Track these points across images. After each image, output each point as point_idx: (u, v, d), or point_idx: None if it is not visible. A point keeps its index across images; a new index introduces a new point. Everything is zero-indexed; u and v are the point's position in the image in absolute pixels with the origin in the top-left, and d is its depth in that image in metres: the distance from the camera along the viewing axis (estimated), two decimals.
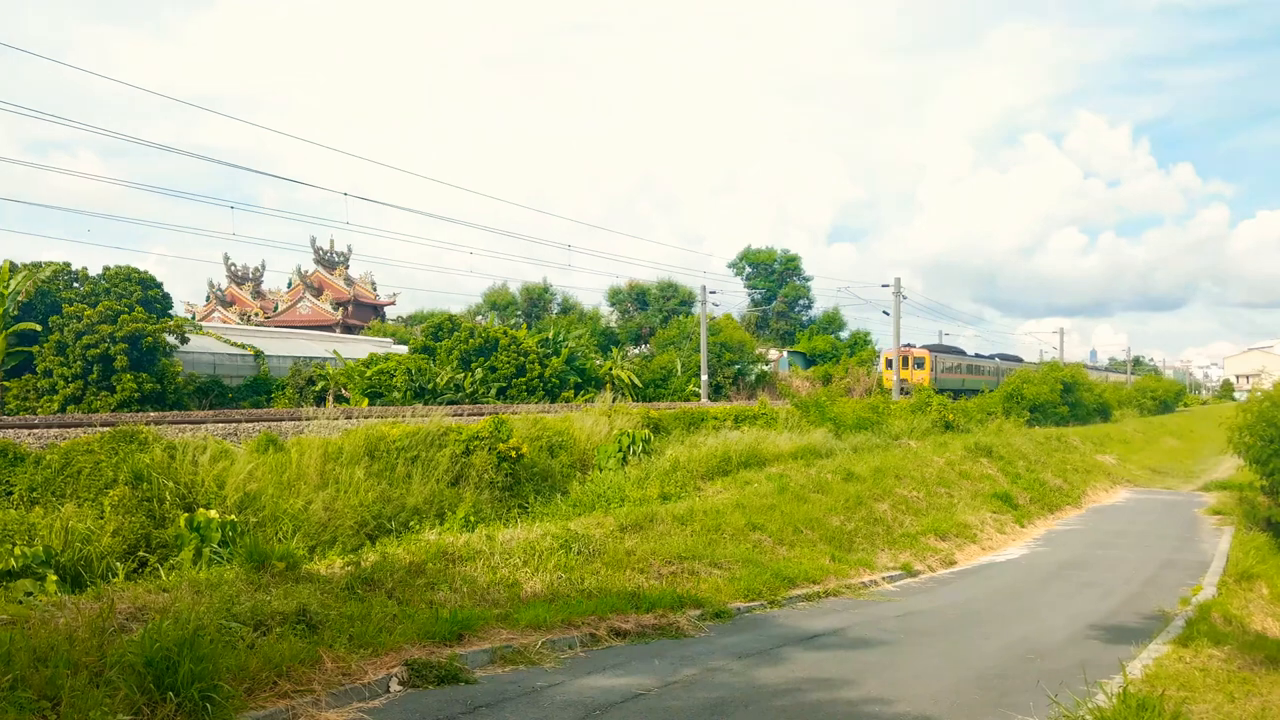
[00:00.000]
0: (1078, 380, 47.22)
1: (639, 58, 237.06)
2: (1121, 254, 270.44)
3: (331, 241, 53.25)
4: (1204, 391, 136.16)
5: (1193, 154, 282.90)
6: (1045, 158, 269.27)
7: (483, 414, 17.52)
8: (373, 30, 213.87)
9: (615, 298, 54.52)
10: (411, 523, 11.27)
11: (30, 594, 7.11)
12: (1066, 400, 43.51)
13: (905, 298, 39.01)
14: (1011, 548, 16.18)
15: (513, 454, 13.83)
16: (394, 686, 6.39)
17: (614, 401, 21.61)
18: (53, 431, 12.37)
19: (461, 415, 17.38)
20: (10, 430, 12.16)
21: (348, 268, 53.57)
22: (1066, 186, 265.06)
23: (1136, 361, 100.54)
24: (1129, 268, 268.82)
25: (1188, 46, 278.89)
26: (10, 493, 9.29)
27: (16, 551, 7.56)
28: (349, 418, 15.49)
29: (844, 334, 58.99)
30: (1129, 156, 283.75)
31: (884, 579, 12.27)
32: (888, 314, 39.59)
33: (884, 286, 40.01)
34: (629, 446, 16.44)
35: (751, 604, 9.93)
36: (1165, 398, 74.73)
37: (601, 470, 15.75)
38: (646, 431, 17.33)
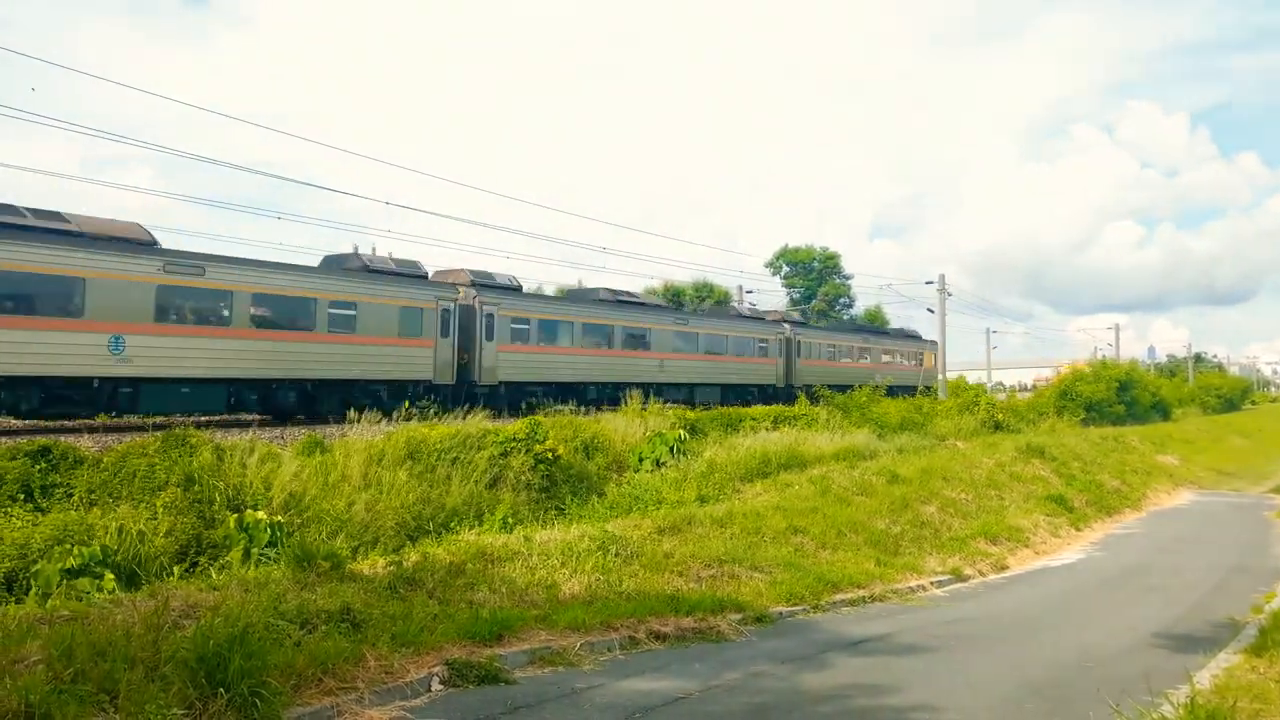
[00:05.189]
0: (1133, 378, 45.42)
1: (673, 57, 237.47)
2: (1181, 246, 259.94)
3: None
4: (1272, 389, 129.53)
5: (1257, 141, 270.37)
6: (1095, 149, 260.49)
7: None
8: (405, 41, 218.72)
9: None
10: (451, 524, 11.36)
11: (88, 592, 7.37)
12: (1123, 399, 41.88)
13: (950, 294, 38.09)
14: (1067, 552, 15.56)
15: (549, 455, 13.85)
16: (435, 686, 6.42)
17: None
18: (109, 436, 12.92)
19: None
20: (71, 435, 12.75)
21: None
22: (1120, 178, 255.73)
23: (1198, 358, 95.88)
24: (1189, 261, 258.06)
25: (1245, 31, 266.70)
26: (71, 494, 9.66)
27: (76, 551, 7.85)
28: (391, 420, 15.73)
29: None
30: (1187, 146, 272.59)
31: (932, 584, 11.90)
32: (932, 311, 38.70)
33: (928, 283, 39.11)
34: (665, 448, 16.32)
35: (794, 608, 9.73)
36: (1230, 395, 71.32)
37: (637, 472, 15.65)
38: (682, 432, 17.15)
